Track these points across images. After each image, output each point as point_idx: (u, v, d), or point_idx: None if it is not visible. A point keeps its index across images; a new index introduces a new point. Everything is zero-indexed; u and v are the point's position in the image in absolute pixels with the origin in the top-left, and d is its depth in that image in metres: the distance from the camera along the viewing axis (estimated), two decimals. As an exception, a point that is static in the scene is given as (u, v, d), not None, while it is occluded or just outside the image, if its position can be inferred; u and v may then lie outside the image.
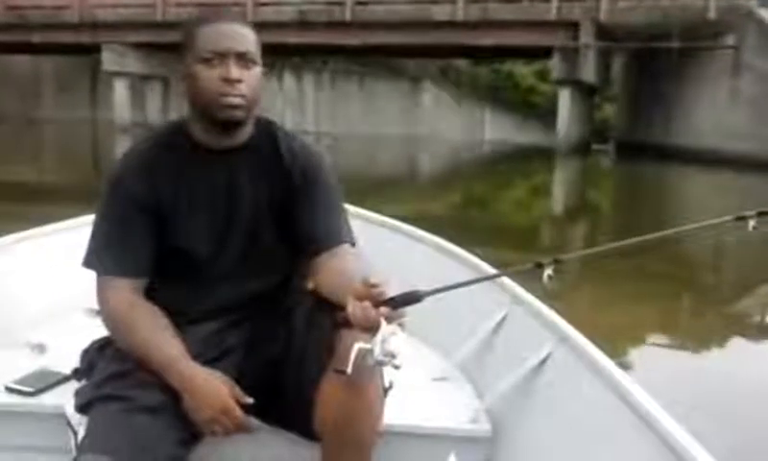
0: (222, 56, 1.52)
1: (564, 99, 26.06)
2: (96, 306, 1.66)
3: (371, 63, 40.49)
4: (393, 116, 41.71)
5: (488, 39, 25.71)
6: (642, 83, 28.48)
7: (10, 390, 1.79)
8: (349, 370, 1.24)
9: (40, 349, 2.09)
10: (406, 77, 43.13)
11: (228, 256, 1.61)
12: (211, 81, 1.53)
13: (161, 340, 1.49)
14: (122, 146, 23.42)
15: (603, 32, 25.17)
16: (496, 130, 43.71)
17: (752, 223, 1.47)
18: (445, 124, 42.20)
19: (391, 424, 1.63)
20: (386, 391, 1.53)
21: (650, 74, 27.47)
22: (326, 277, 1.56)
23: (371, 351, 1.22)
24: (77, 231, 2.38)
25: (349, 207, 2.01)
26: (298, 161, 1.61)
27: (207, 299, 1.62)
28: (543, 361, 1.80)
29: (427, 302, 1.35)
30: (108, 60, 31.27)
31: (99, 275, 1.57)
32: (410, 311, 1.33)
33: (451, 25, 26.07)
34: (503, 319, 2.08)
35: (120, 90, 32.41)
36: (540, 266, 1.40)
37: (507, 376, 1.85)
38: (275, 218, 1.61)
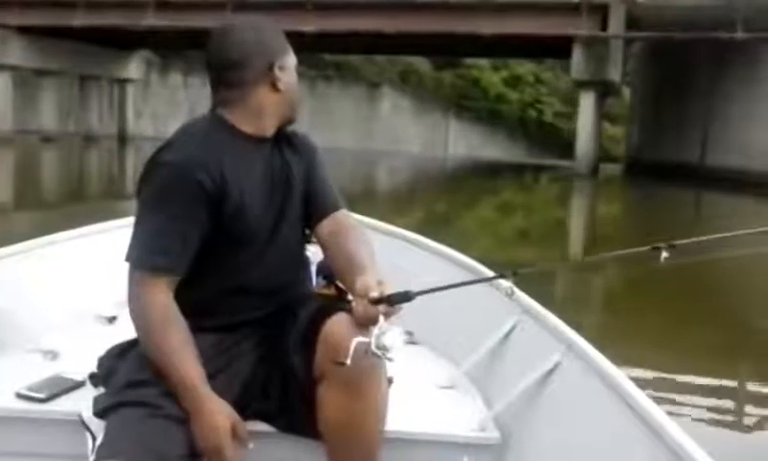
0: None
1: (587, 106, 20.92)
2: (108, 313, 2.23)
3: (322, 63, 35.69)
4: (347, 127, 37.41)
5: (488, 27, 20.33)
6: (669, 85, 23.18)
7: (21, 396, 1.78)
8: (349, 361, 1.34)
9: (52, 355, 2.07)
10: (363, 81, 39.14)
11: (273, 232, 1.70)
12: None
13: (186, 358, 1.51)
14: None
15: (633, 19, 19.84)
16: (461, 143, 40.75)
17: (664, 254, 1.62)
18: (405, 136, 39.10)
19: (399, 431, 1.69)
20: (389, 382, 1.60)
21: (681, 75, 22.17)
22: (337, 258, 1.70)
23: (368, 345, 1.35)
24: (89, 239, 2.62)
25: (354, 215, 2.21)
26: (303, 146, 1.79)
27: (233, 292, 1.67)
28: (552, 370, 1.82)
29: (435, 310, 1.73)
30: (-19, 47, 24.89)
31: (140, 268, 1.57)
32: (419, 320, 1.94)
33: (440, 8, 20.90)
34: (512, 328, 2.10)
35: (-2, 88, 25.79)
36: (502, 277, 1.68)
37: (516, 384, 1.86)
38: (300, 193, 1.75)
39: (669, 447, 1.32)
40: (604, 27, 20.15)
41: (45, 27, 24.31)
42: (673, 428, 1.34)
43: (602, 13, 20.07)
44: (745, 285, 6.93)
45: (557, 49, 21.74)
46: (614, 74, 20.42)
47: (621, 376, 1.58)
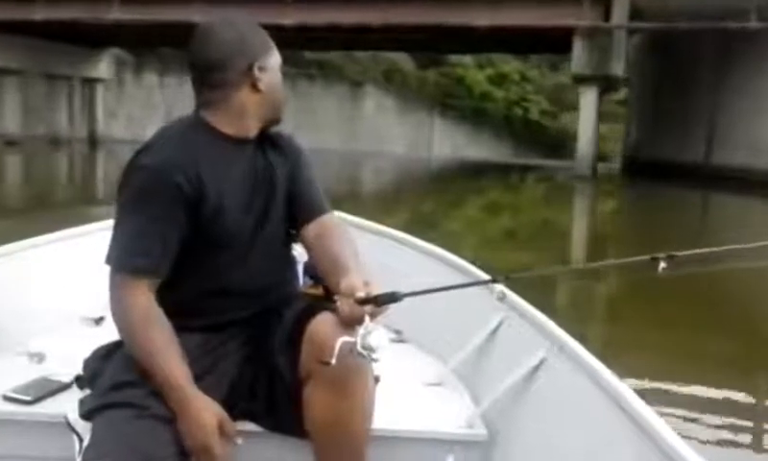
0: None
1: (589, 103, 19.62)
2: (95, 315, 2.22)
3: (304, 62, 34.37)
4: (330, 127, 36.16)
5: (482, 19, 18.99)
6: (670, 80, 22.02)
7: (7, 399, 1.79)
8: (333, 361, 1.34)
9: (38, 357, 2.08)
10: (345, 80, 37.90)
11: (255, 234, 1.69)
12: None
13: (170, 358, 1.51)
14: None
15: (637, 9, 18.68)
16: (446, 143, 39.79)
17: (662, 265, 1.61)
18: (390, 136, 38.03)
19: (386, 429, 1.70)
20: (375, 380, 1.59)
21: (684, 68, 21.02)
22: (322, 260, 1.70)
23: (354, 345, 1.34)
24: (73, 242, 2.62)
25: (341, 214, 2.32)
26: (288, 147, 1.77)
27: (214, 294, 1.67)
28: (538, 366, 1.83)
29: (423, 308, 1.68)
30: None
31: (121, 271, 1.57)
32: (408, 319, 1.94)
33: (431, -1, 19.46)
34: (498, 325, 2.12)
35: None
36: (494, 281, 1.81)
37: (503, 381, 1.88)
38: (284, 194, 1.74)
39: (655, 442, 1.32)
40: (606, 18, 18.95)
41: (2, 22, 22.70)
42: (659, 424, 1.34)
43: (605, 4, 18.86)
44: (753, 295, 6.57)
45: (555, 43, 20.55)
46: (617, 68, 19.21)
47: (607, 371, 1.58)
